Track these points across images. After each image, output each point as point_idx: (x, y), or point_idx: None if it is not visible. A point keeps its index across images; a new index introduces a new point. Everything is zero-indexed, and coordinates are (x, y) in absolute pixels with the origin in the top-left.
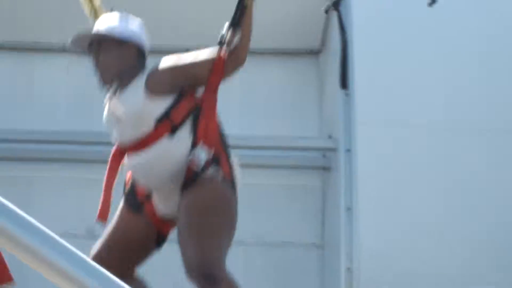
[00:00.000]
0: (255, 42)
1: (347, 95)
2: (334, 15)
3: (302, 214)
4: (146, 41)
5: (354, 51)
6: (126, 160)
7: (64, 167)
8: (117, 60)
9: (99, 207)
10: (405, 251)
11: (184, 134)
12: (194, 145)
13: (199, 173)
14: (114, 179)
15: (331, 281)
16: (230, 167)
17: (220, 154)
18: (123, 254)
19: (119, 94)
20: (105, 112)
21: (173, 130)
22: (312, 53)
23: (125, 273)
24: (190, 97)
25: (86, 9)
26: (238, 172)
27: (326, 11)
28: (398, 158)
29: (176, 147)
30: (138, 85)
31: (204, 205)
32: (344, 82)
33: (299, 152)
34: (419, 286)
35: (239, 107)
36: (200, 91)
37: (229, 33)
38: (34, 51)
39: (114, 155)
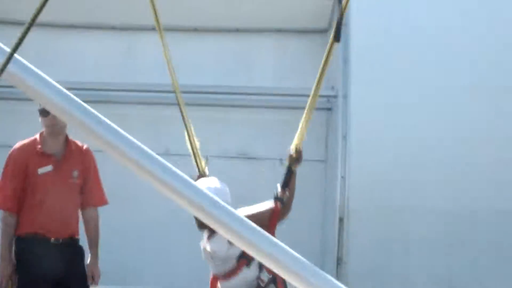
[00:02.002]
0: (278, 23)
1: (345, 62)
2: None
3: (312, 139)
4: (229, 197)
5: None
6: (219, 283)
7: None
8: None
9: None
10: (388, 165)
11: (255, 265)
12: (260, 270)
13: (262, 286)
14: None
15: (330, 187)
16: (284, 286)
17: (277, 278)
18: None
19: (210, 238)
20: (202, 249)
21: (248, 263)
22: (321, 31)
23: None
24: None
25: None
26: None
27: None
28: (388, 105)
29: (251, 273)
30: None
31: None
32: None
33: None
34: (397, 191)
35: (271, 66)
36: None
37: (281, 191)
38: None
39: (212, 281)
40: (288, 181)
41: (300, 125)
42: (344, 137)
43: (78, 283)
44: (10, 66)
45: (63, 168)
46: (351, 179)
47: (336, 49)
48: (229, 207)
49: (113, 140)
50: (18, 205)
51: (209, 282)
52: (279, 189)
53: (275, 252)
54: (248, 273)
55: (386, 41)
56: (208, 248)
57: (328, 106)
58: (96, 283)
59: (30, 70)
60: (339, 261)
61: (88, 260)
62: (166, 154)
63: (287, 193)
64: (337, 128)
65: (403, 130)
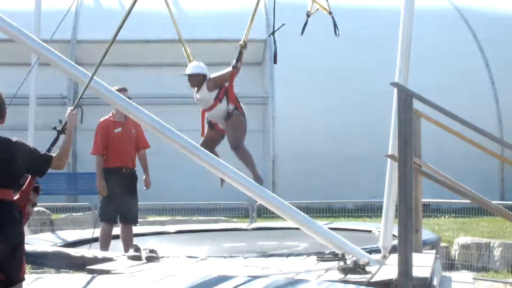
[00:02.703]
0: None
1: (272, 78)
2: None
3: (256, 120)
4: (207, 71)
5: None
6: (205, 113)
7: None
8: (196, 80)
9: (201, 131)
10: (300, 132)
11: (224, 101)
12: (228, 104)
13: (231, 113)
14: (204, 120)
15: (267, 143)
16: (242, 110)
17: (237, 105)
18: (210, 145)
19: (198, 91)
20: (195, 97)
21: (220, 100)
22: (258, 63)
23: (211, 151)
24: (223, 88)
25: (187, 55)
26: (245, 111)
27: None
28: (297, 99)
29: (222, 106)
30: (204, 88)
31: (234, 124)
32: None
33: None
34: (305, 145)
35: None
36: (226, 84)
37: (235, 62)
38: None
39: (202, 112)
40: (240, 57)
41: (246, 30)
42: (273, 118)
43: (134, 192)
44: (92, 83)
45: (126, 128)
46: (278, 140)
47: (268, 71)
48: (203, 150)
49: (154, 124)
50: (105, 151)
51: (200, 113)
52: (235, 62)
53: (236, 176)
54: (221, 106)
55: (298, 66)
56: (197, 96)
57: (264, 102)
58: (148, 187)
59: (103, 85)
60: (274, 184)
61: (144, 177)
62: (180, 130)
63: (238, 63)
64: (269, 113)
65: (308, 112)
